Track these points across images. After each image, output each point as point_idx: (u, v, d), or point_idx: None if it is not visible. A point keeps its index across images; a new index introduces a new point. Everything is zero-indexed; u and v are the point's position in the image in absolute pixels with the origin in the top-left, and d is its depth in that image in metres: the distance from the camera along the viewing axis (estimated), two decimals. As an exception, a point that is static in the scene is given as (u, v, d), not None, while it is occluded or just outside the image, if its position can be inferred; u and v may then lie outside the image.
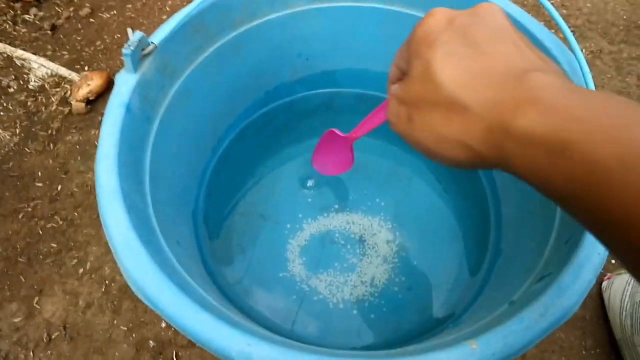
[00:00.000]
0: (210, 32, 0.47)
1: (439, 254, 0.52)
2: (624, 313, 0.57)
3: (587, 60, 0.85)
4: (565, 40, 0.41)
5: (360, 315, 0.48)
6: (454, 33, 0.22)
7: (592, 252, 0.31)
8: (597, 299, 0.63)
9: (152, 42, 0.41)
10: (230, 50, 0.50)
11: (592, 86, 0.37)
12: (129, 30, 0.40)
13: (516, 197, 0.49)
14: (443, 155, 0.23)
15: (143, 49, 0.40)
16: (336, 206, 0.55)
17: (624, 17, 0.97)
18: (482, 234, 0.52)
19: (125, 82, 0.39)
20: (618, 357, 0.58)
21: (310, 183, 0.56)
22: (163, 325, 0.59)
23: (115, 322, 0.59)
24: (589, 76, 0.37)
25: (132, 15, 0.96)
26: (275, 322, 0.47)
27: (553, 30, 0.42)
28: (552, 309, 0.29)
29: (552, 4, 0.97)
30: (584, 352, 0.59)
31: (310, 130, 0.60)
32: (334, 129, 0.48)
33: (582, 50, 0.89)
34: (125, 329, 0.59)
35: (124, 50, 0.38)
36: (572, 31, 0.92)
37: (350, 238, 0.53)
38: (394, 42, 0.54)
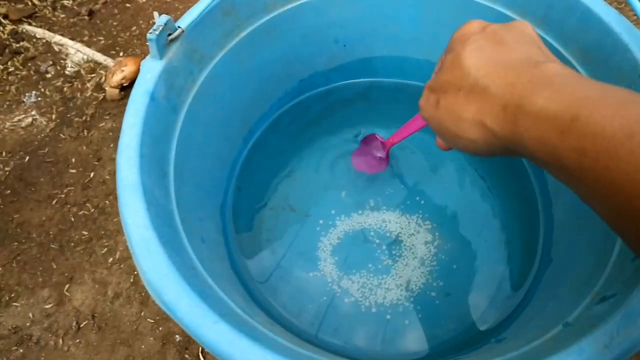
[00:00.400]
0: (240, 15, 0.44)
1: (481, 259, 0.48)
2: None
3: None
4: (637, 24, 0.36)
5: (394, 321, 0.45)
6: (486, 34, 0.26)
7: (669, 273, 0.26)
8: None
9: (179, 27, 0.39)
10: (263, 35, 0.47)
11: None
12: (156, 14, 0.38)
13: (570, 199, 0.44)
14: (461, 135, 0.25)
15: (169, 34, 0.38)
16: (372, 203, 0.51)
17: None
18: (530, 239, 0.48)
19: (150, 69, 0.37)
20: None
21: (345, 178, 0.53)
22: (190, 318, 0.58)
23: (142, 314, 0.59)
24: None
25: (168, 0, 0.94)
26: (301, 324, 0.45)
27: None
28: (618, 339, 0.25)
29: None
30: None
31: (346, 121, 0.56)
32: (375, 134, 0.51)
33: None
34: (152, 321, 0.58)
35: (148, 35, 0.36)
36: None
37: (385, 237, 0.49)
38: (436, 28, 0.51)
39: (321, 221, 0.51)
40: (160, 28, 0.36)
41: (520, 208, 0.50)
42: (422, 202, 0.51)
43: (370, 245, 0.49)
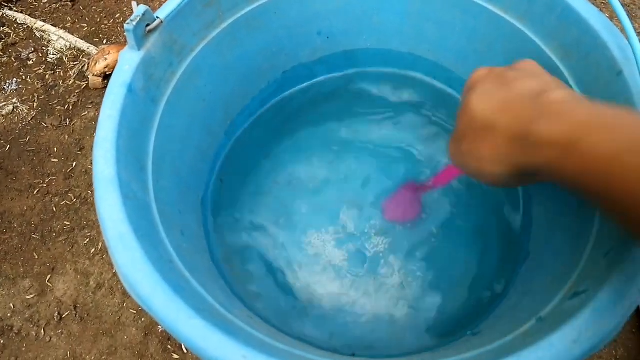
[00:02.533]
0: (222, 6, 0.44)
1: (459, 251, 0.48)
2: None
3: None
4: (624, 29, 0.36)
5: (371, 315, 0.46)
6: (492, 78, 0.28)
7: (638, 271, 0.27)
8: (631, 304, 0.58)
9: (157, 17, 0.38)
10: (245, 26, 0.47)
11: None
12: (134, 4, 0.38)
13: (549, 195, 0.44)
14: (485, 171, 0.27)
15: (148, 24, 0.37)
16: (354, 197, 0.51)
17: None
18: (508, 231, 0.49)
19: (128, 61, 0.37)
20: (651, 368, 0.54)
21: (328, 170, 0.53)
22: (173, 309, 0.58)
23: (125, 304, 0.59)
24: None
25: (152, -12, 0.93)
26: (281, 317, 0.45)
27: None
28: (587, 334, 0.25)
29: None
30: (613, 360, 0.56)
31: (330, 113, 0.56)
32: (412, 182, 0.51)
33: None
34: (135, 312, 0.58)
35: (125, 26, 0.35)
36: None
37: (365, 233, 0.50)
38: (420, 21, 0.51)
39: (304, 214, 0.51)
40: (138, 19, 0.36)
41: (499, 201, 0.51)
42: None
43: (352, 240, 0.49)
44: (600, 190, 0.20)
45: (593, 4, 0.39)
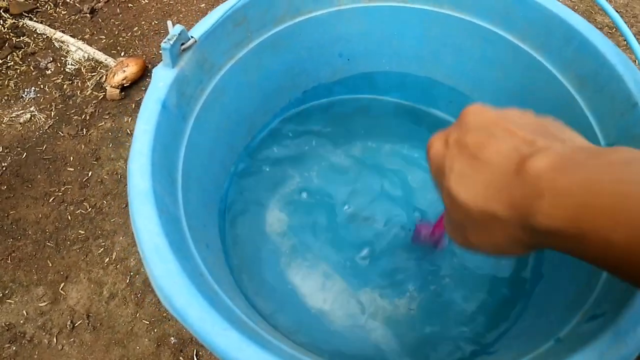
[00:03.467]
0: (251, 27, 0.45)
1: (473, 270, 0.49)
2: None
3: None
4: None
5: (383, 333, 0.47)
6: (455, 155, 0.24)
7: (657, 296, 0.28)
8: None
9: (192, 36, 0.39)
10: (270, 47, 0.48)
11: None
12: (169, 23, 0.39)
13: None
14: (507, 255, 0.25)
15: (182, 43, 0.39)
16: (369, 214, 0.52)
17: (684, 27, 0.91)
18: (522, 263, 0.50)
19: (163, 78, 0.38)
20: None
21: (344, 189, 0.54)
22: (184, 320, 0.59)
23: (137, 315, 0.59)
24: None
25: (171, 2, 0.95)
26: (297, 334, 0.46)
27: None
28: (607, 357, 0.26)
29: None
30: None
31: (347, 133, 0.58)
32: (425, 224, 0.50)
33: None
34: (148, 323, 0.59)
35: (162, 45, 0.37)
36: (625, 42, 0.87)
37: (377, 247, 0.51)
38: (439, 46, 0.52)
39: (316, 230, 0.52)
40: (175, 38, 0.37)
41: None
42: (417, 214, 0.53)
43: (370, 256, 0.50)
44: (623, 273, 0.18)
45: (601, 30, 0.40)
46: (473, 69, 0.52)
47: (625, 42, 0.37)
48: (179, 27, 0.38)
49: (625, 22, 0.38)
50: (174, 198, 0.36)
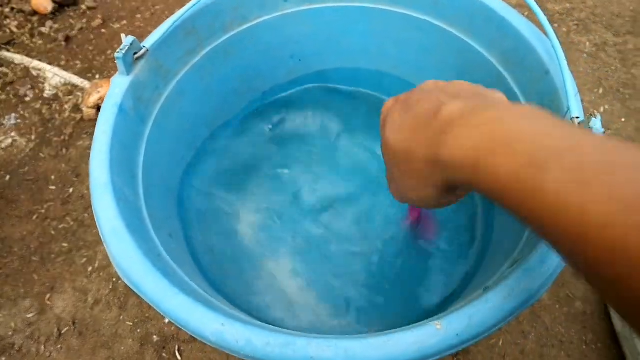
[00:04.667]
0: (201, 35, 0.49)
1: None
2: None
3: (590, 54, 0.85)
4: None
5: (339, 299, 0.50)
6: (398, 107, 0.28)
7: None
8: (598, 293, 0.62)
9: (143, 46, 0.43)
10: (223, 52, 0.52)
11: (567, 72, 0.37)
12: (123, 36, 0.43)
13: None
14: (421, 197, 0.28)
15: (135, 53, 0.43)
16: (326, 203, 0.56)
17: (630, 8, 0.96)
18: (471, 227, 0.53)
19: (119, 84, 0.42)
20: (619, 352, 0.57)
21: (302, 179, 0.57)
22: (166, 321, 0.61)
23: (121, 317, 0.62)
24: (564, 62, 0.37)
25: (141, 25, 0.99)
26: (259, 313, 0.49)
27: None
28: (516, 291, 0.29)
29: (554, -1, 0.96)
30: (584, 346, 0.59)
31: (306, 128, 0.61)
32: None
33: (586, 43, 0.88)
34: (131, 324, 0.61)
35: (115, 54, 0.40)
36: (575, 24, 0.92)
37: (341, 220, 0.54)
38: (382, 40, 0.56)
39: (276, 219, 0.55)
40: (127, 48, 0.41)
41: (474, 205, 0.55)
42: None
43: (323, 234, 0.53)
44: (511, 207, 0.20)
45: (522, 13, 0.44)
46: (415, 58, 0.56)
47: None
48: (130, 38, 0.42)
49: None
50: (134, 190, 0.39)
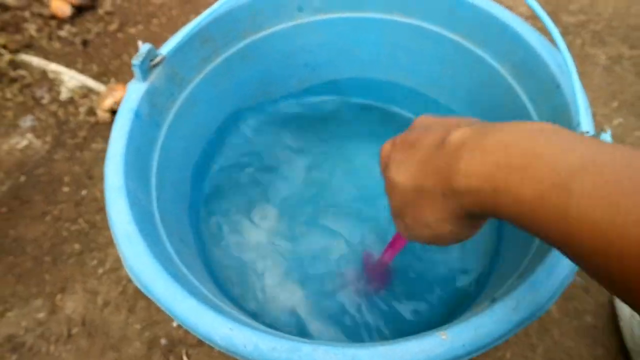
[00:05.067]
0: (217, 43, 0.50)
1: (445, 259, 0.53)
2: (634, 322, 0.56)
3: (605, 66, 0.85)
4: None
5: (348, 316, 0.50)
6: (398, 148, 0.28)
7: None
8: (608, 308, 0.62)
9: (160, 54, 0.44)
10: (238, 60, 0.53)
11: (578, 86, 0.37)
12: (139, 42, 0.44)
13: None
14: (438, 234, 0.27)
15: (152, 60, 0.43)
16: (335, 211, 0.56)
17: (646, 22, 0.95)
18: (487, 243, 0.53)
19: (135, 90, 0.42)
20: (628, 367, 0.57)
21: (313, 190, 0.58)
22: (174, 324, 0.62)
23: (130, 320, 0.62)
24: (575, 76, 0.37)
25: (157, 30, 1.01)
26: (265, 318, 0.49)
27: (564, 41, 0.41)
28: (524, 303, 0.29)
29: (570, 10, 0.96)
30: (593, 360, 0.58)
31: (318, 137, 0.62)
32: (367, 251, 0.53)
33: (602, 56, 0.88)
34: (139, 327, 0.62)
35: (132, 61, 0.41)
36: (590, 36, 0.91)
37: (350, 241, 0.54)
38: (394, 50, 0.57)
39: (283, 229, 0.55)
40: (143, 55, 0.42)
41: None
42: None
43: (333, 243, 0.54)
44: (536, 230, 0.20)
45: (536, 28, 0.44)
46: (427, 68, 0.56)
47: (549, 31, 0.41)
48: (147, 46, 0.43)
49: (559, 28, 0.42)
50: (147, 195, 0.40)
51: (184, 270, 0.37)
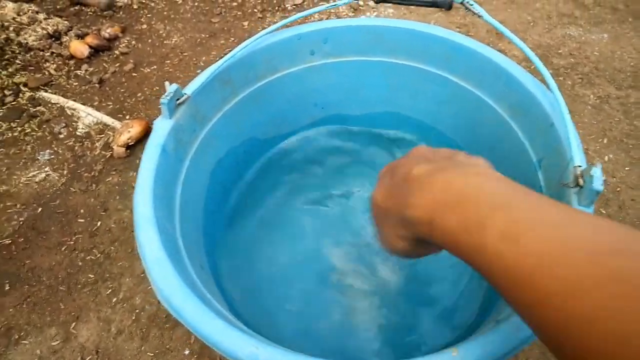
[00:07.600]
0: (236, 84, 0.54)
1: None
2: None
3: (594, 105, 0.89)
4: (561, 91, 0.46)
5: (354, 323, 0.52)
6: (389, 171, 0.32)
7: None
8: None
9: (185, 93, 0.48)
10: (254, 100, 0.57)
11: (569, 124, 0.40)
12: (167, 83, 0.48)
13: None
14: (395, 249, 0.31)
15: (178, 99, 0.47)
16: (351, 239, 0.59)
17: (632, 64, 1.01)
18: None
19: (162, 127, 0.46)
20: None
21: (325, 222, 0.60)
22: (186, 352, 0.63)
23: (142, 348, 0.64)
24: (567, 115, 0.41)
25: (170, 70, 1.06)
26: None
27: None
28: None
29: (560, 53, 1.02)
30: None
31: (328, 169, 0.65)
32: None
33: (590, 96, 0.93)
34: (152, 355, 0.63)
35: (161, 100, 0.45)
36: (580, 78, 0.97)
37: (360, 264, 0.57)
38: (399, 90, 0.61)
39: (299, 258, 0.58)
40: (171, 94, 0.46)
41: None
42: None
43: (342, 272, 0.56)
44: (465, 260, 0.23)
45: (529, 70, 0.48)
46: (430, 106, 0.60)
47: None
48: (174, 86, 0.46)
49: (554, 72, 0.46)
50: (172, 224, 0.43)
51: (208, 295, 0.39)
